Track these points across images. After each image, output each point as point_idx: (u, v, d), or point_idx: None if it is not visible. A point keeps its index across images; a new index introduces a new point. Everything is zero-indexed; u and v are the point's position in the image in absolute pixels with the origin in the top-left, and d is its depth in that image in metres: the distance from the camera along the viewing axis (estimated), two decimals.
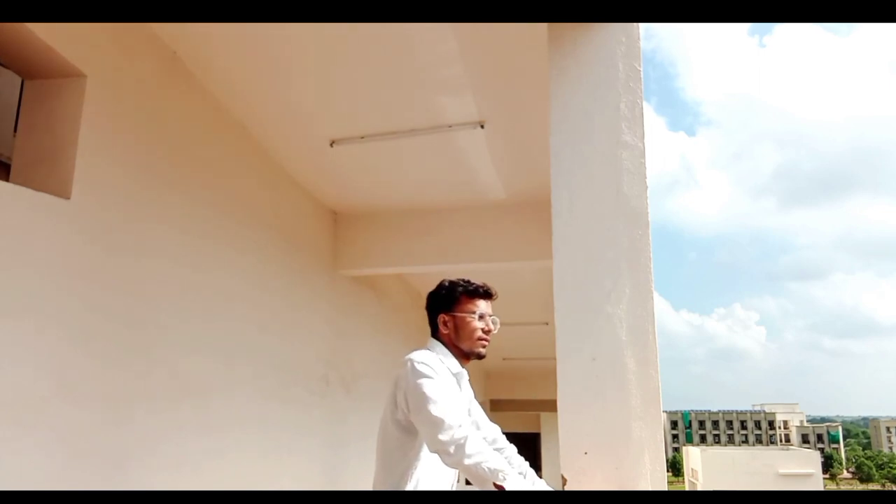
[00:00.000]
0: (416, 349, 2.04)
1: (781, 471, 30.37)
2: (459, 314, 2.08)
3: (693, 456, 36.62)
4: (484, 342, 2.09)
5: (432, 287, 2.20)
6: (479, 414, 2.27)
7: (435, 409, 1.78)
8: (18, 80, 2.39)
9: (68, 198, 2.15)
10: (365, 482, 5.18)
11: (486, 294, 2.13)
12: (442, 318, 2.10)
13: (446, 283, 2.15)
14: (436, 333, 2.12)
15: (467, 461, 1.71)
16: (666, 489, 1.64)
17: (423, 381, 1.87)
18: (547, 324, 8.44)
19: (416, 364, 1.92)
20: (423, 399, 1.82)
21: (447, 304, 2.11)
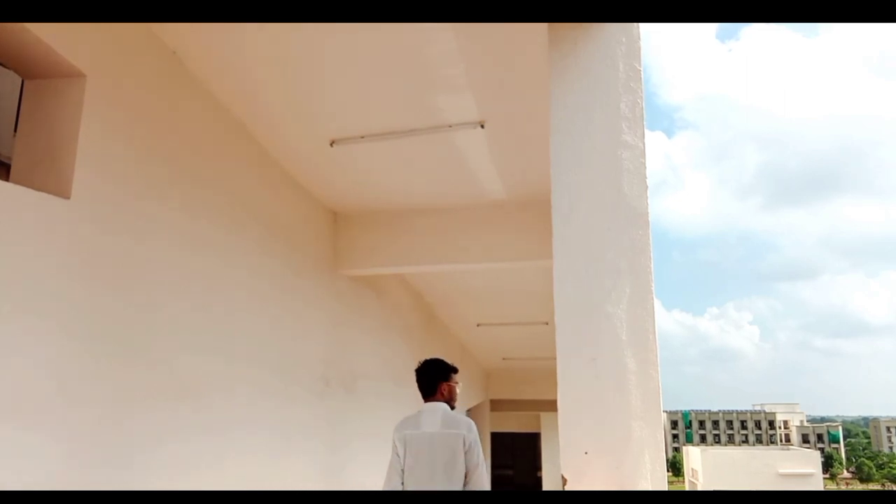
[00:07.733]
0: (458, 412, 3.23)
1: (781, 471, 30.38)
2: (453, 384, 3.26)
3: (693, 456, 36.61)
4: None
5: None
6: None
7: (486, 475, 3.05)
8: (18, 80, 2.39)
9: (68, 198, 2.15)
10: (364, 481, 5.17)
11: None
12: (443, 385, 3.20)
13: (440, 363, 3.30)
14: (435, 395, 3.18)
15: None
16: (666, 489, 1.64)
17: (481, 452, 3.07)
18: (547, 324, 8.44)
19: (478, 437, 3.07)
20: (482, 466, 3.02)
21: (447, 376, 3.24)
